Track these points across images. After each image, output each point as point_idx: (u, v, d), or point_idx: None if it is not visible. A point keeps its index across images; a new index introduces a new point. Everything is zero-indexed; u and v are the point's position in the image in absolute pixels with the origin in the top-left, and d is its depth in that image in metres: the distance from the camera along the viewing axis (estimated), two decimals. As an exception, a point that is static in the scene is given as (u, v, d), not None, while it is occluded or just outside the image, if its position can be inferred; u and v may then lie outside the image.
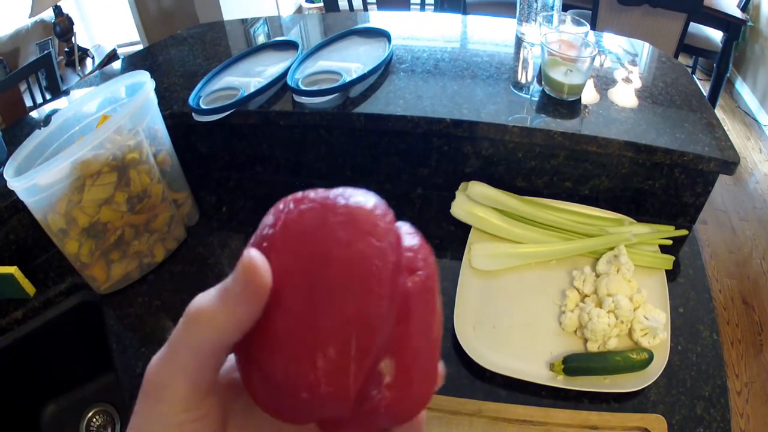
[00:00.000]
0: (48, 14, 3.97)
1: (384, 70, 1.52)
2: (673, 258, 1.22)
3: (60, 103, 1.63)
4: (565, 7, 3.58)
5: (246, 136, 1.50)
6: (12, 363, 1.27)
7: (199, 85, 1.46)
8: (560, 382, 1.02)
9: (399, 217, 0.35)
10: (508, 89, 1.45)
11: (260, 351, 0.32)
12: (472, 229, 1.30)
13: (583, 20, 1.53)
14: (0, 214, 1.26)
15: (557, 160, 1.36)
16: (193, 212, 1.41)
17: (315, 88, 1.39)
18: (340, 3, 3.07)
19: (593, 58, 1.32)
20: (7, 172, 1.04)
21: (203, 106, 1.39)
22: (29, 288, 1.26)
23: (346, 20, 1.92)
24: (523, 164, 1.39)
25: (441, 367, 0.36)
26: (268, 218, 0.35)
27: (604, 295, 1.13)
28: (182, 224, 1.36)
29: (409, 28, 1.83)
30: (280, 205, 0.35)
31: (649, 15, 3.16)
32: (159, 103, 1.25)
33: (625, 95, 1.43)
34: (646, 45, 1.73)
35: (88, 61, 4.07)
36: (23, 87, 3.15)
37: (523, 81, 1.50)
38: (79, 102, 1.24)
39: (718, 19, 3.42)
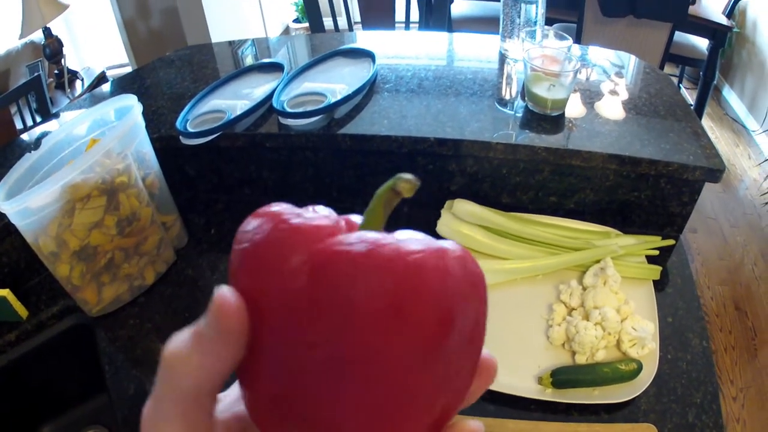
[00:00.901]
0: (38, 36, 3.98)
1: (368, 90, 1.53)
2: (660, 268, 1.23)
3: (50, 125, 1.64)
4: (550, 21, 3.60)
5: (233, 159, 1.51)
6: (6, 385, 1.27)
7: (186, 109, 1.47)
8: (549, 395, 1.02)
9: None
10: (491, 106, 1.46)
11: (253, 381, 0.31)
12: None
13: (566, 34, 1.54)
14: (-8, 237, 1.26)
15: (542, 175, 1.37)
16: (182, 235, 1.42)
17: (300, 109, 1.40)
18: (325, 23, 3.09)
19: (576, 73, 1.34)
20: (-1, 195, 1.05)
21: (190, 129, 1.40)
22: (22, 311, 1.26)
23: (331, 41, 1.93)
24: (508, 180, 1.40)
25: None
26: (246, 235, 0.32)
27: (591, 307, 1.13)
28: (171, 247, 1.36)
29: (393, 47, 1.84)
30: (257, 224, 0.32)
31: (633, 26, 3.18)
32: (147, 127, 1.25)
33: (610, 108, 1.45)
34: (630, 56, 1.75)
35: (78, 83, 4.07)
36: (13, 109, 3.15)
37: (507, 97, 1.51)
38: (69, 125, 1.25)
39: (704, 26, 3.45)
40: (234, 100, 1.49)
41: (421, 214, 1.42)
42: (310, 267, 0.28)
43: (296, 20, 6.22)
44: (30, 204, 1.03)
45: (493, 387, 1.03)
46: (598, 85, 1.56)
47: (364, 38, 1.96)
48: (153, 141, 1.29)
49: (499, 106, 1.46)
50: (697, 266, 3.25)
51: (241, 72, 1.66)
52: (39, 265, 1.31)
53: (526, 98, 1.43)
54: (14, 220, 1.05)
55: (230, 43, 2.00)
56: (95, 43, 5.02)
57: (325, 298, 0.27)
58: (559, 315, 1.15)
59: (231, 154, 1.50)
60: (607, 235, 1.30)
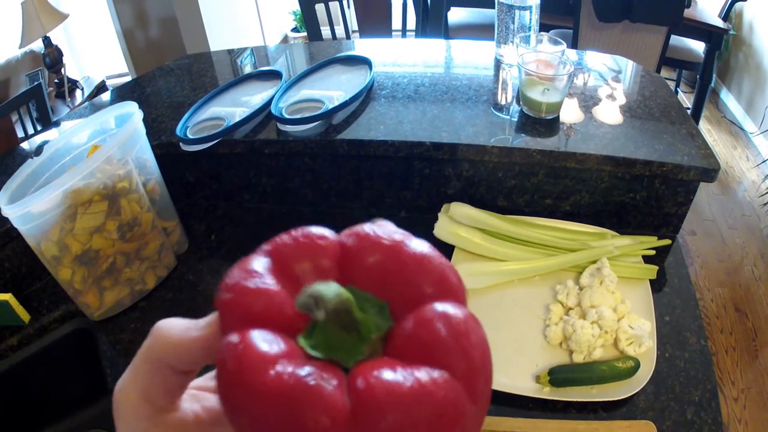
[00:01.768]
0: (38, 45, 4.00)
1: (365, 96, 1.55)
2: (657, 268, 1.24)
3: (51, 134, 1.65)
4: (547, 28, 3.61)
5: (232, 165, 1.52)
6: (8, 389, 1.28)
7: (186, 116, 1.49)
8: (547, 393, 1.03)
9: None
10: (487, 111, 1.47)
11: None
12: (455, 250, 1.32)
13: (560, 39, 1.55)
14: (-5, 242, 1.28)
15: (537, 178, 1.38)
16: (182, 240, 1.43)
17: (298, 116, 1.42)
18: (323, 32, 3.10)
19: (570, 76, 1.35)
20: (1, 200, 1.06)
21: (190, 136, 1.41)
22: (24, 315, 1.27)
23: (329, 48, 1.94)
24: (504, 183, 1.41)
25: None
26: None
27: (587, 307, 1.14)
28: (172, 252, 1.38)
29: (390, 54, 1.86)
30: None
31: (629, 30, 3.19)
32: (147, 134, 1.27)
33: (604, 110, 1.46)
34: (625, 60, 1.76)
35: (78, 92, 4.09)
36: (14, 118, 3.17)
37: (503, 102, 1.53)
38: (70, 132, 1.26)
39: (700, 30, 3.45)
40: (233, 108, 1.51)
41: (418, 218, 1.44)
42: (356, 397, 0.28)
43: (294, 29, 6.23)
44: (32, 209, 1.05)
45: (492, 386, 1.04)
46: (593, 88, 1.58)
47: (361, 46, 1.97)
48: (153, 148, 1.31)
49: (494, 111, 1.47)
50: (696, 268, 3.26)
51: (240, 80, 1.67)
52: (41, 270, 1.32)
53: (520, 102, 1.44)
54: (17, 224, 1.06)
55: (229, 51, 2.01)
56: (95, 52, 5.03)
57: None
58: (556, 315, 1.16)
59: (230, 160, 1.51)
60: (603, 236, 1.31)
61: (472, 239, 1.29)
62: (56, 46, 3.96)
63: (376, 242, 0.33)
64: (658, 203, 1.36)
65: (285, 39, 6.30)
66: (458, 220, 1.32)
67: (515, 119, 1.44)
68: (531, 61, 1.42)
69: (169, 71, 1.88)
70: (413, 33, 3.76)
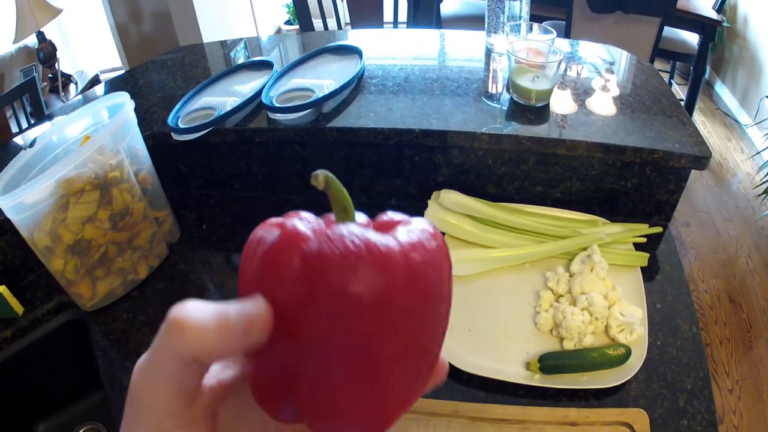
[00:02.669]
0: (31, 40, 3.99)
1: (356, 85, 1.55)
2: (648, 255, 1.24)
3: (44, 127, 1.65)
4: (540, 19, 3.60)
5: (224, 154, 1.52)
6: (2, 382, 1.28)
7: (177, 106, 1.49)
8: (537, 380, 1.03)
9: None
10: (477, 99, 1.48)
11: (261, 358, 0.34)
12: (445, 237, 1.31)
13: (550, 28, 1.56)
14: (-13, 235, 1.27)
15: (527, 165, 1.38)
16: (174, 230, 1.43)
17: (288, 105, 1.42)
18: (316, 24, 3.10)
19: (559, 64, 1.35)
20: (-6, 191, 1.06)
21: (182, 126, 1.41)
22: (18, 307, 1.27)
23: (320, 39, 1.94)
24: (494, 171, 1.41)
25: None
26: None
27: (577, 293, 1.14)
28: (164, 241, 1.38)
29: (381, 45, 1.86)
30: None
31: (622, 21, 3.19)
32: (140, 125, 1.27)
33: (595, 98, 1.46)
34: (616, 49, 1.76)
35: (72, 87, 4.08)
36: (8, 112, 3.16)
37: (493, 90, 1.53)
38: (63, 124, 1.27)
39: (693, 21, 3.45)
40: (224, 97, 1.51)
41: (408, 205, 1.44)
42: (306, 269, 0.31)
43: (287, 22, 6.21)
44: (25, 199, 1.05)
45: (482, 373, 1.04)
46: (585, 77, 1.58)
47: (352, 36, 1.97)
48: (145, 138, 1.31)
49: (484, 99, 1.48)
50: (690, 260, 3.26)
51: (232, 70, 1.67)
52: (34, 263, 1.33)
53: (510, 90, 1.44)
54: (9, 215, 1.06)
55: (221, 43, 2.01)
56: (88, 46, 5.02)
57: (322, 291, 0.31)
58: (546, 301, 1.16)
59: (221, 149, 1.51)
60: (594, 224, 1.31)
61: (462, 226, 1.29)
62: (50, 41, 3.95)
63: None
64: (650, 191, 1.36)
65: (278, 32, 6.29)
66: (448, 207, 1.32)
67: (505, 107, 1.44)
68: (521, 49, 1.42)
69: (161, 63, 1.87)
70: (405, 25, 3.76)
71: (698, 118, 4.53)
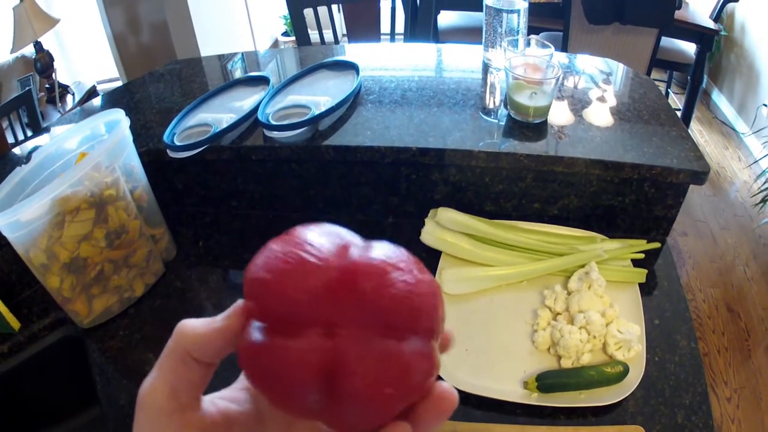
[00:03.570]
0: (29, 50, 4.00)
1: (352, 102, 1.54)
2: (646, 271, 1.24)
3: (41, 140, 1.64)
4: (537, 30, 3.62)
5: (220, 172, 1.52)
6: (-1, 398, 1.28)
7: (173, 122, 1.48)
8: (535, 399, 1.03)
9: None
10: (474, 115, 1.47)
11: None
12: (442, 255, 1.31)
13: (548, 42, 1.55)
14: (-16, 251, 1.27)
15: (525, 183, 1.38)
16: (170, 247, 1.42)
17: (285, 122, 1.42)
18: (312, 36, 3.10)
19: (558, 80, 1.35)
20: (-10, 208, 1.06)
21: (177, 143, 1.41)
22: (14, 323, 1.27)
23: (317, 54, 1.94)
24: (491, 188, 1.41)
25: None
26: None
27: (575, 311, 1.14)
28: (160, 259, 1.37)
29: (377, 59, 1.86)
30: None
31: (620, 33, 3.19)
32: (136, 140, 1.26)
33: (593, 114, 1.46)
34: (613, 63, 1.76)
35: (69, 97, 4.09)
36: (5, 123, 3.17)
37: (491, 106, 1.53)
38: (60, 139, 1.26)
39: (690, 31, 3.46)
40: (220, 114, 1.50)
41: (405, 223, 1.44)
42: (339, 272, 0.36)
43: (285, 33, 6.24)
44: (21, 217, 1.04)
45: (480, 392, 1.04)
46: (582, 91, 1.58)
47: (349, 51, 1.97)
48: (141, 155, 1.30)
49: (481, 115, 1.47)
50: (688, 269, 3.26)
51: (228, 86, 1.66)
52: (30, 278, 1.32)
53: (508, 106, 1.44)
54: (5, 232, 1.06)
55: (219, 57, 2.01)
56: (86, 57, 5.02)
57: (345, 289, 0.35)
58: (543, 320, 1.16)
59: (217, 167, 1.51)
60: (592, 240, 1.30)
61: (459, 244, 1.29)
62: (47, 51, 3.96)
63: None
64: (648, 206, 1.36)
65: (275, 43, 6.31)
66: (445, 226, 1.32)
67: (503, 123, 1.44)
68: (518, 65, 1.42)
69: (158, 77, 1.87)
70: (402, 37, 3.76)
71: (695, 127, 4.54)
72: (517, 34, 1.63)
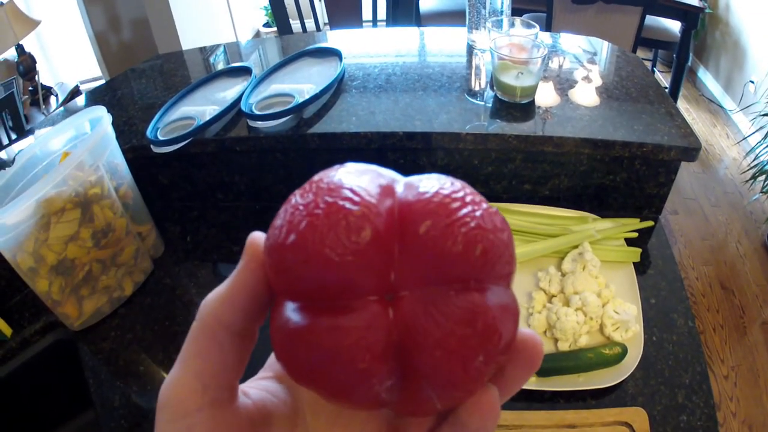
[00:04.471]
0: (11, 53, 3.97)
1: (336, 88, 1.53)
2: (640, 250, 1.23)
3: (25, 143, 1.63)
4: (520, 12, 3.60)
5: (205, 165, 1.50)
6: (-7, 405, 1.27)
7: (156, 117, 1.46)
8: (533, 384, 1.02)
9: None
10: (460, 98, 1.46)
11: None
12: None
13: (533, 22, 1.54)
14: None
15: (514, 164, 1.37)
16: (158, 244, 1.41)
17: (268, 111, 1.40)
18: (294, 25, 3.08)
19: (544, 59, 1.34)
20: (-25, 215, 1.04)
21: (161, 138, 1.39)
22: (6, 329, 1.25)
23: (299, 42, 1.93)
24: (480, 171, 1.40)
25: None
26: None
27: (570, 293, 1.13)
28: (148, 256, 1.36)
29: (360, 45, 1.85)
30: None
31: (603, 12, 3.18)
32: (119, 137, 1.25)
33: (581, 93, 1.45)
34: (600, 41, 1.75)
35: (52, 99, 4.06)
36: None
37: (477, 88, 1.52)
38: (43, 140, 1.25)
39: (675, 9, 3.44)
40: (203, 106, 1.49)
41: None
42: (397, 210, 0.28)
43: (266, 24, 6.23)
44: (6, 221, 1.03)
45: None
46: (568, 71, 1.57)
47: (331, 38, 1.96)
48: (125, 151, 1.29)
49: (468, 97, 1.46)
50: (680, 248, 3.27)
51: (210, 78, 1.65)
52: (20, 283, 1.30)
53: (494, 87, 1.43)
54: (-9, 238, 1.04)
55: (201, 49, 1.99)
56: (68, 57, 4.99)
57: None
58: (538, 302, 1.15)
59: (202, 160, 1.49)
60: (584, 220, 1.29)
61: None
62: (29, 53, 3.93)
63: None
64: (639, 184, 1.35)
65: (257, 34, 6.30)
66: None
67: (489, 105, 1.42)
68: (504, 46, 1.40)
69: (140, 72, 1.85)
70: (384, 23, 3.75)
71: (682, 105, 4.54)
72: (501, 15, 1.61)
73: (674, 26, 3.73)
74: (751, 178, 3.36)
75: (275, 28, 5.79)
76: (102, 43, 4.51)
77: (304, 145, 1.39)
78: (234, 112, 1.47)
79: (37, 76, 3.98)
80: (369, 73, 1.60)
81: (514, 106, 1.39)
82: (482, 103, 1.43)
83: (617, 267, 1.22)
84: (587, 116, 1.35)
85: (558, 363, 1.03)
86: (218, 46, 1.98)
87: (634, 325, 1.06)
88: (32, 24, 3.77)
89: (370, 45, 1.85)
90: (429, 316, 0.27)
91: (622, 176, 1.34)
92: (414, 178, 0.30)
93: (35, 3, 4.45)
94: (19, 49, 3.84)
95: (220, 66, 1.82)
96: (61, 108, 1.84)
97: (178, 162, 1.50)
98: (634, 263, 1.22)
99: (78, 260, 1.17)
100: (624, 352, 1.03)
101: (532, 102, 1.40)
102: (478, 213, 0.28)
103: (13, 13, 3.66)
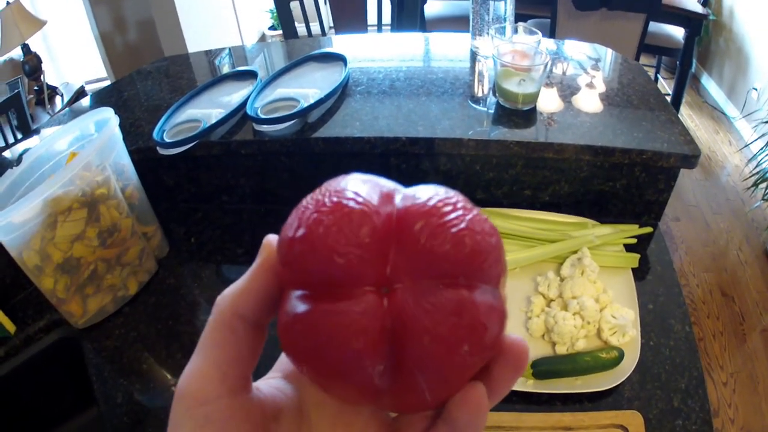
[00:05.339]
0: (17, 53, 3.98)
1: (341, 93, 1.54)
2: (638, 256, 1.24)
3: (31, 142, 1.64)
4: (524, 18, 3.61)
5: (210, 167, 1.51)
6: (-3, 401, 1.28)
7: (162, 119, 1.48)
8: (530, 386, 1.02)
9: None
10: (463, 104, 1.47)
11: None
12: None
13: (536, 29, 1.55)
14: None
15: (515, 170, 1.38)
16: (163, 244, 1.42)
17: (273, 115, 1.41)
18: (299, 29, 3.09)
19: (546, 66, 1.35)
20: (-18, 212, 1.05)
21: (167, 140, 1.40)
22: (10, 326, 1.26)
23: (304, 46, 1.94)
24: (482, 176, 1.41)
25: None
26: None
27: (569, 297, 1.14)
28: (153, 257, 1.37)
29: (365, 50, 1.85)
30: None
31: (607, 18, 3.19)
32: (125, 139, 1.26)
33: (582, 99, 1.46)
34: (602, 48, 1.76)
35: (57, 99, 4.07)
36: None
37: (479, 94, 1.53)
38: (49, 140, 1.26)
39: (678, 15, 3.45)
40: (209, 109, 1.50)
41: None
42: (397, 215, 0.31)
43: (272, 27, 6.22)
44: (13, 219, 1.04)
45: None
46: (570, 77, 1.58)
47: (336, 42, 1.97)
48: (131, 153, 1.30)
49: (470, 103, 1.47)
50: (681, 254, 3.27)
51: (216, 81, 1.66)
52: (24, 280, 1.31)
53: (497, 94, 1.44)
54: (-1, 235, 1.06)
55: (206, 52, 2.00)
56: (74, 57, 5.00)
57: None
58: (537, 306, 1.16)
59: (207, 162, 1.50)
60: (584, 226, 1.30)
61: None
62: (35, 53, 3.94)
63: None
64: (639, 191, 1.36)
65: (263, 37, 6.30)
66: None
67: (492, 111, 1.44)
68: (506, 52, 1.41)
69: (146, 74, 1.86)
70: (389, 28, 3.75)
71: (685, 111, 4.54)
72: (505, 22, 1.62)
73: (678, 33, 3.73)
74: (752, 186, 3.36)
75: (281, 32, 5.81)
76: (107, 44, 4.51)
77: (309, 149, 1.41)
78: (239, 115, 1.48)
79: (42, 76, 4.00)
80: (373, 78, 1.61)
81: (516, 113, 1.40)
82: (485, 109, 1.45)
83: (616, 272, 1.22)
84: (588, 123, 1.36)
85: (555, 366, 1.04)
86: (224, 49, 2.00)
87: (631, 329, 1.07)
88: (38, 24, 3.79)
89: (375, 50, 1.86)
90: (419, 306, 0.29)
91: (621, 183, 1.35)
92: (412, 189, 0.33)
93: (41, 3, 4.45)
94: (25, 48, 3.85)
95: (226, 69, 1.84)
96: (67, 109, 1.85)
97: (183, 164, 1.51)
98: (632, 269, 1.22)
99: (83, 259, 1.18)
100: (621, 356, 1.03)
101: (534, 109, 1.41)
102: (468, 217, 0.31)
103: (20, 13, 3.68)
